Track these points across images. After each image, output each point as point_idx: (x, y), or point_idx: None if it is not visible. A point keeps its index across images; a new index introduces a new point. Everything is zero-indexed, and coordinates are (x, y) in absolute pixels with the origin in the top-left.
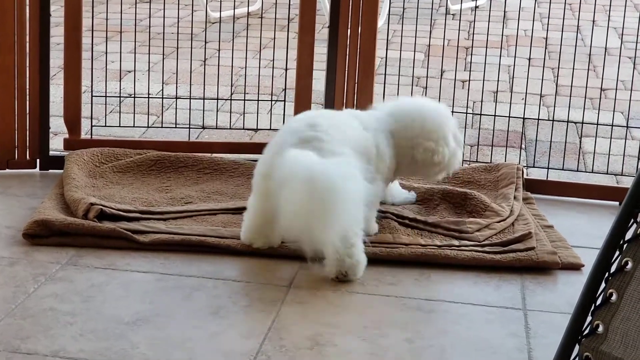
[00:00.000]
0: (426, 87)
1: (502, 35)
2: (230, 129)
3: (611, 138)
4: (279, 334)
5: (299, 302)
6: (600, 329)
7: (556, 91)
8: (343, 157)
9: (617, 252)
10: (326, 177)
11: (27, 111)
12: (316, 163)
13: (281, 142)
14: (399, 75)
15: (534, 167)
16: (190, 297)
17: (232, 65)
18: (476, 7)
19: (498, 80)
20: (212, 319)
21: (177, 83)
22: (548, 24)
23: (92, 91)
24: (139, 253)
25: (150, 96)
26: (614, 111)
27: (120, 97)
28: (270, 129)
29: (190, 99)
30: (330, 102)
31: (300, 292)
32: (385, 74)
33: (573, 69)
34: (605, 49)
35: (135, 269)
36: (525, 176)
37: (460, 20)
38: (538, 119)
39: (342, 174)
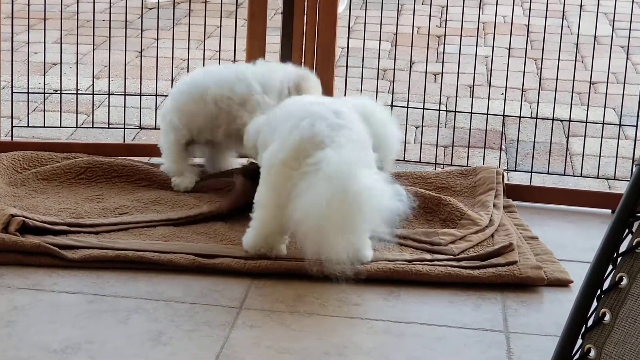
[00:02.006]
0: (393, 81)
1: (479, 22)
2: None
3: (602, 138)
4: None
5: (251, 326)
6: (592, 353)
7: (540, 85)
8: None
9: (610, 267)
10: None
11: None
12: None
13: (313, 131)
14: (362, 68)
15: (515, 170)
16: (127, 321)
17: (172, 57)
18: None
19: (474, 73)
20: (152, 346)
21: (109, 77)
22: (530, 9)
23: (12, 87)
24: (67, 271)
25: (79, 92)
26: (604, 107)
27: (44, 93)
28: None
29: (125, 95)
30: None
31: (252, 314)
32: (346, 66)
33: (558, 60)
34: (595, 37)
35: (64, 290)
36: (505, 181)
37: (431, 5)
38: (520, 117)
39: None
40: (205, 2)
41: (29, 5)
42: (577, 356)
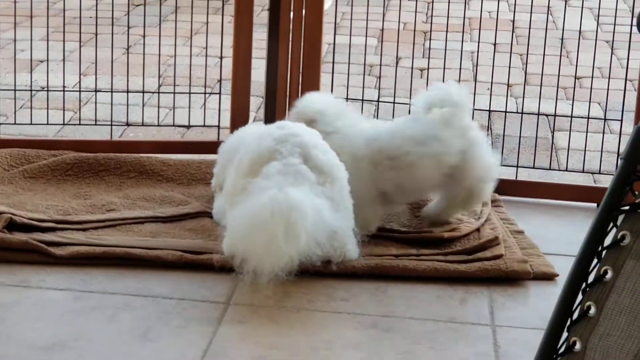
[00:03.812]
0: (380, 77)
1: (464, 17)
2: (158, 125)
3: (587, 132)
4: (216, 358)
5: (239, 321)
6: (578, 346)
7: (525, 80)
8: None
9: (595, 260)
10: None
11: None
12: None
13: (260, 149)
14: (349, 64)
15: (501, 165)
16: (115, 317)
17: (159, 54)
18: None
19: (460, 69)
20: (140, 343)
21: (96, 74)
22: (515, 5)
23: None
24: (55, 268)
25: (65, 89)
26: (589, 102)
27: (31, 90)
28: (204, 126)
29: (112, 92)
30: (272, 95)
31: (240, 309)
32: (333, 62)
33: (544, 55)
34: (580, 32)
35: (51, 287)
36: None
37: (417, 1)
38: (505, 112)
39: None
40: None
41: (15, 2)
42: (562, 349)
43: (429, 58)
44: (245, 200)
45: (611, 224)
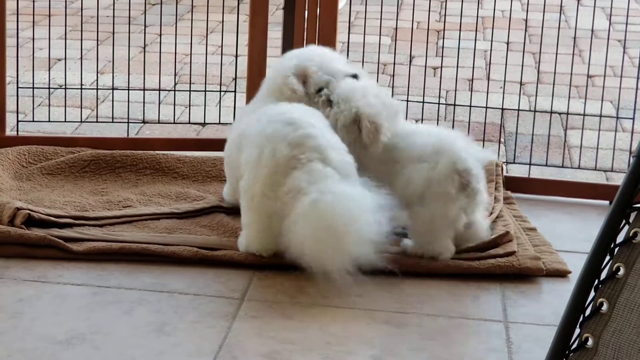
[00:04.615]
0: (393, 75)
1: (477, 16)
2: (174, 123)
3: (599, 130)
4: (231, 352)
5: (253, 316)
6: (590, 342)
7: (538, 78)
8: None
9: (608, 257)
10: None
11: None
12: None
13: (278, 160)
14: (363, 62)
15: (514, 163)
16: (131, 312)
17: (175, 52)
18: None
19: (473, 67)
20: (156, 337)
21: (113, 72)
22: (528, 4)
23: (17, 82)
24: (72, 263)
25: (83, 87)
26: (602, 100)
27: (49, 88)
28: (219, 123)
29: (128, 90)
30: None
31: (254, 304)
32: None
33: (556, 53)
34: (592, 31)
35: (69, 282)
36: (505, 173)
37: (430, 0)
38: (518, 110)
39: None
40: None
41: (34, 1)
42: (575, 345)
43: (442, 57)
44: (304, 213)
45: (623, 222)
